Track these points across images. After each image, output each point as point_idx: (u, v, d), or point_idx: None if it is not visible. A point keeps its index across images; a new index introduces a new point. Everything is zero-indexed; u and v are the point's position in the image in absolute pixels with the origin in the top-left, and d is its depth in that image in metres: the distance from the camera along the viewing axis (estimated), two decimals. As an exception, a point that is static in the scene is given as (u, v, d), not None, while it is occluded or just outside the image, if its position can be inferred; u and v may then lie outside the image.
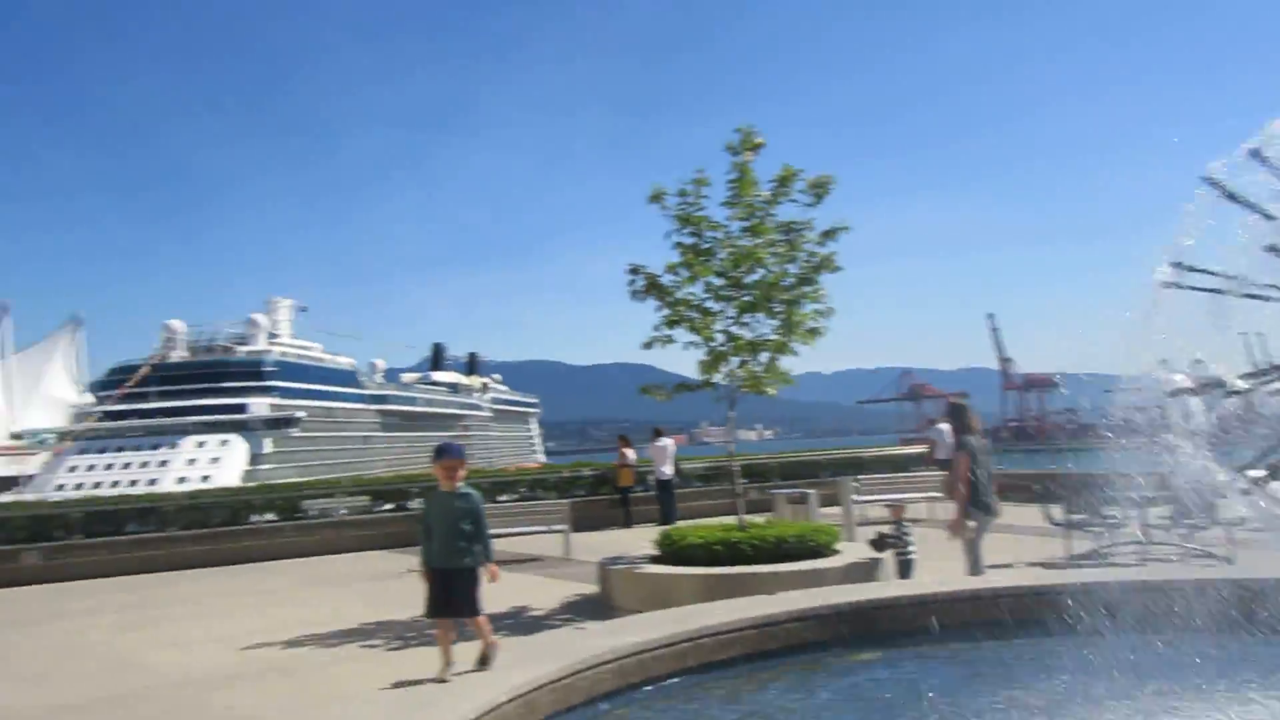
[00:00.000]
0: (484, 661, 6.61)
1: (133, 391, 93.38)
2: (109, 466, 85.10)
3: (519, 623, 10.70)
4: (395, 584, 14.44)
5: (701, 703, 6.26)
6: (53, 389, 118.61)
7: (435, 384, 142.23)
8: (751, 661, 6.81)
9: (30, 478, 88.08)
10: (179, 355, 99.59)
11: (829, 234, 11.80)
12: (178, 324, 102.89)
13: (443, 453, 7.24)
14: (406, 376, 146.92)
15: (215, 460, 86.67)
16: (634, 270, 11.94)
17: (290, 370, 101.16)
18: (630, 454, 21.48)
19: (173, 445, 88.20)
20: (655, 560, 11.57)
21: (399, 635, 10.39)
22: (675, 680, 6.43)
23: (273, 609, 12.79)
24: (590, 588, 12.68)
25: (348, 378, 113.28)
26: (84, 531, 16.89)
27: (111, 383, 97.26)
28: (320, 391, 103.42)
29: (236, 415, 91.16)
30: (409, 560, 16.75)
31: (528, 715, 5.41)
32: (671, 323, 11.85)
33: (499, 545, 16.39)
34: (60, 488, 74.44)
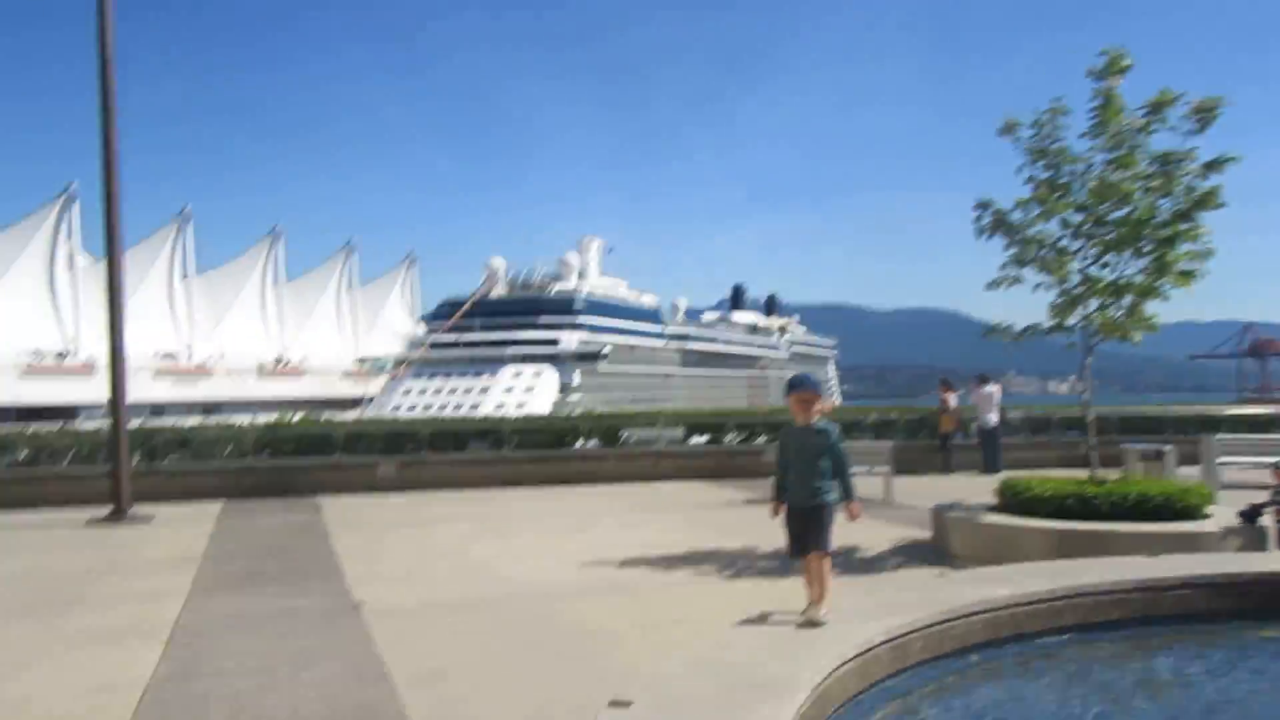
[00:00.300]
0: (815, 605, 6.08)
1: (459, 324, 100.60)
2: (437, 391, 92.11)
3: (850, 562, 10.44)
4: (719, 513, 14.62)
5: (1082, 665, 5.76)
6: (391, 319, 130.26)
7: (734, 324, 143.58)
8: (1135, 626, 6.20)
9: (371, 399, 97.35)
10: (499, 291, 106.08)
11: (1213, 165, 10.51)
12: (498, 261, 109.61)
13: (797, 385, 6.68)
14: (706, 316, 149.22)
15: (529, 389, 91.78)
16: (981, 205, 11.19)
17: (598, 307, 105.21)
18: (952, 399, 20.60)
19: (492, 374, 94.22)
20: (995, 510, 10.94)
21: (731, 564, 10.43)
22: (1050, 639, 5.95)
23: (605, 530, 13.28)
24: (919, 533, 12.21)
25: (651, 316, 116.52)
26: (431, 447, 18.31)
27: (441, 314, 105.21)
28: (624, 329, 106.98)
29: (549, 349, 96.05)
30: (727, 493, 16.97)
31: (899, 659, 5.16)
32: (1021, 262, 11.04)
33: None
34: (396, 409, 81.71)
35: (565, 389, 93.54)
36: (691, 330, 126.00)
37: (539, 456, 18.75)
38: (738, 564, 10.46)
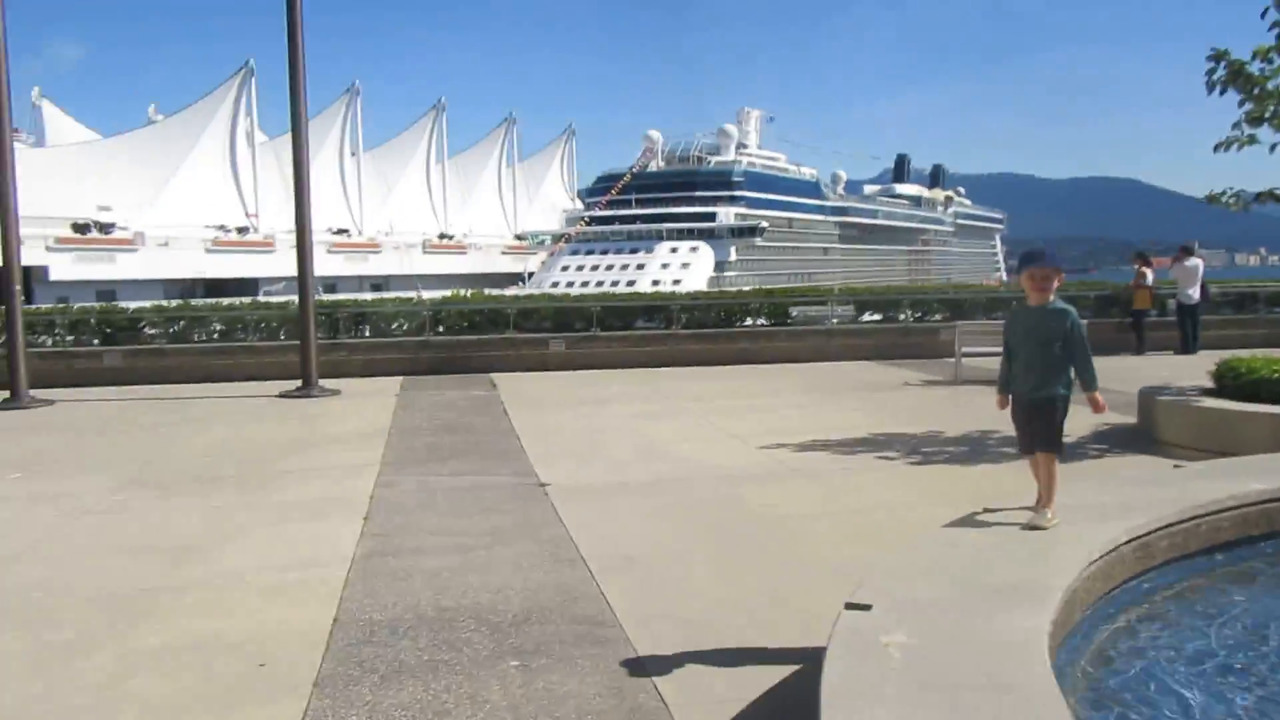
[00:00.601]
0: (1042, 509, 5.28)
1: (616, 199, 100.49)
2: (594, 268, 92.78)
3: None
4: (897, 395, 14.15)
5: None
6: (549, 194, 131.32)
7: (897, 197, 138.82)
8: None
9: (530, 274, 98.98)
10: (657, 164, 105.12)
11: None
12: (656, 134, 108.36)
13: (1032, 259, 5.64)
14: (869, 189, 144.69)
15: (685, 265, 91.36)
16: (1215, 57, 10.00)
17: (756, 180, 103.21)
18: (1149, 274, 19.21)
19: (648, 250, 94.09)
20: (1212, 394, 10.13)
21: (915, 449, 10.02)
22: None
23: (778, 411, 13.01)
24: (1120, 418, 11.47)
25: (810, 189, 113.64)
26: (600, 324, 18.30)
27: (598, 190, 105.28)
28: (783, 202, 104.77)
29: (706, 224, 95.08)
30: (904, 374, 16.42)
31: (1144, 559, 4.73)
32: (1257, 119, 9.89)
33: (986, 364, 15.59)
34: (554, 285, 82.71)
35: (721, 265, 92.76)
36: (852, 203, 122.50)
37: (708, 334, 18.52)
38: (923, 449, 10.05)
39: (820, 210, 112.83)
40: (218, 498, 8.66)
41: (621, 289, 72.19)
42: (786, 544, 6.84)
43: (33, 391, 14.99)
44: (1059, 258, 5.75)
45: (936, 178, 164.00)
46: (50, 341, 17.59)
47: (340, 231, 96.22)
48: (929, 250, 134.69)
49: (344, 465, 9.96)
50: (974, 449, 10.02)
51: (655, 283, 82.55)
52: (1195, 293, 18.66)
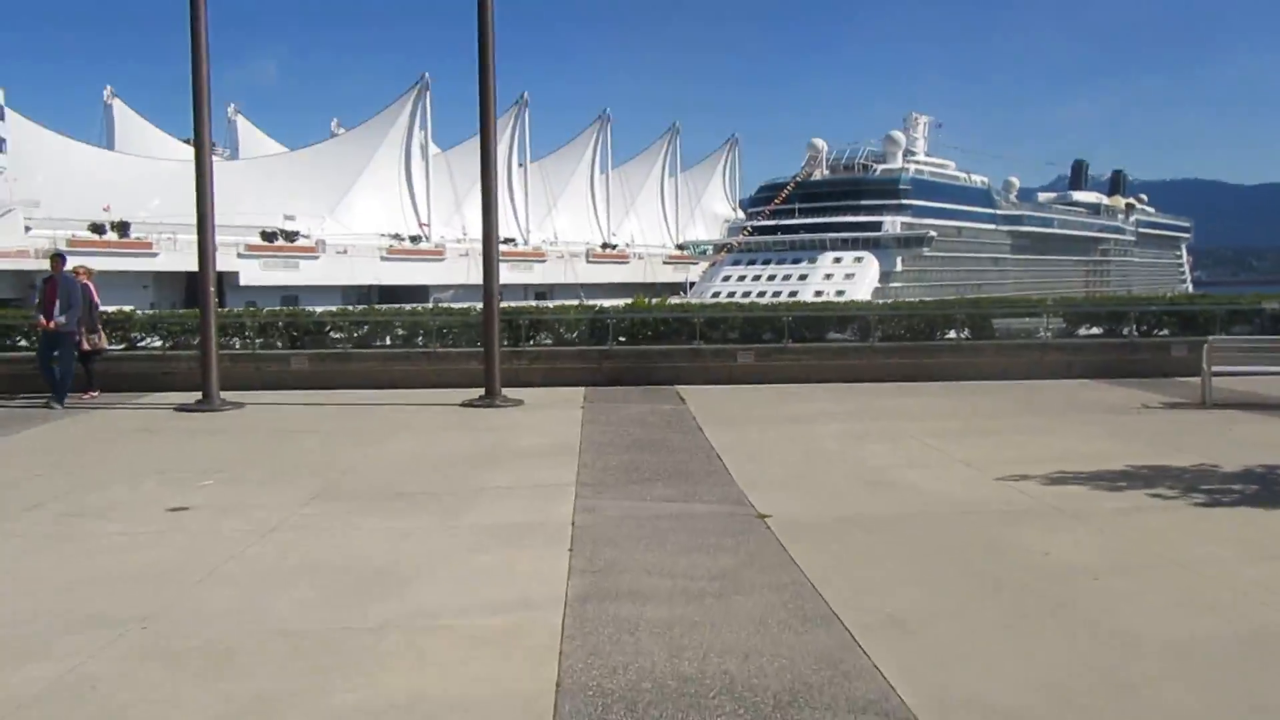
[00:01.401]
0: None
1: (778, 208, 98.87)
2: (756, 278, 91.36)
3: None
4: (1140, 420, 12.53)
5: None
6: (711, 204, 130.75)
7: (1074, 204, 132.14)
8: None
9: (692, 284, 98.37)
10: (820, 173, 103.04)
11: None
12: (820, 142, 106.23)
13: None
14: (1043, 196, 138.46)
15: (849, 276, 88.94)
16: None
17: (924, 188, 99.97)
18: None
19: (812, 260, 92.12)
20: None
21: (1192, 486, 8.54)
22: None
23: (1004, 435, 11.62)
24: None
25: (981, 196, 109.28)
26: (791, 335, 17.18)
27: (760, 199, 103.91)
28: (952, 210, 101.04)
29: (871, 233, 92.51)
30: (1138, 394, 14.72)
31: None
32: None
33: (1238, 385, 13.76)
34: (716, 295, 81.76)
35: (886, 276, 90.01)
36: (1025, 211, 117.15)
37: (907, 348, 17.14)
38: (1202, 487, 8.56)
39: (991, 219, 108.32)
40: (409, 517, 8.00)
41: (794, 298, 70.65)
42: (1085, 605, 5.63)
43: (223, 394, 14.95)
44: None
45: (1116, 184, 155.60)
46: (239, 344, 17.68)
47: (506, 240, 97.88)
48: (1108, 260, 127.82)
49: (538, 484, 9.20)
50: (1266, 488, 8.49)
51: (818, 293, 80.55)
52: None
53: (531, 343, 17.79)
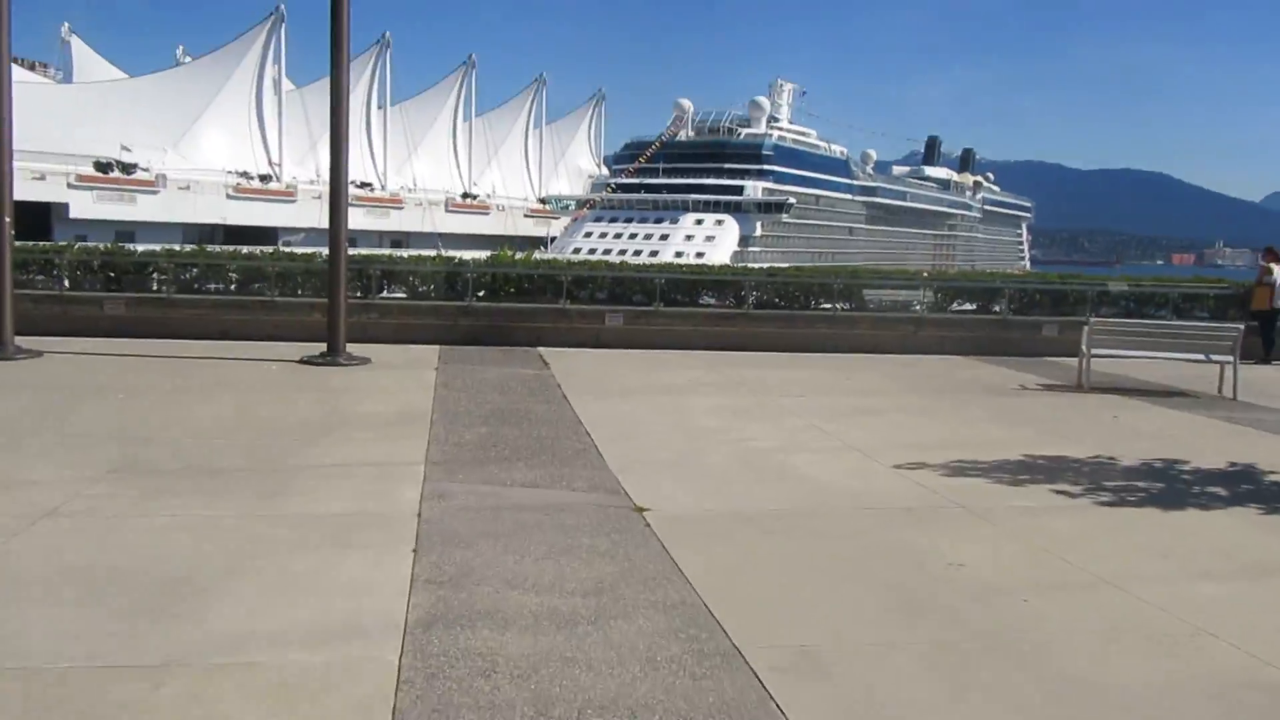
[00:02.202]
0: None
1: (643, 167, 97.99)
2: (618, 236, 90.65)
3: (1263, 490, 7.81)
4: (1023, 403, 12.06)
5: None
6: (576, 159, 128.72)
7: (926, 179, 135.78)
8: None
9: (553, 239, 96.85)
10: (686, 134, 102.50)
11: None
12: (686, 103, 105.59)
13: None
14: (897, 170, 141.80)
15: (710, 239, 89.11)
16: None
17: (786, 155, 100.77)
18: (1278, 272, 16.93)
19: (674, 221, 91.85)
20: None
21: (1096, 484, 7.91)
22: None
23: (890, 415, 10.96)
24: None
25: (839, 167, 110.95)
26: (663, 299, 16.20)
27: (625, 157, 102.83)
28: (812, 179, 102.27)
29: (733, 196, 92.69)
30: (1014, 374, 14.35)
31: None
32: None
33: (1121, 369, 13.54)
34: (577, 251, 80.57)
35: (746, 240, 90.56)
36: (881, 184, 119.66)
37: (783, 316, 16.39)
38: (1105, 484, 7.96)
39: (849, 189, 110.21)
40: (220, 502, 6.68)
41: (645, 259, 70.07)
42: (1018, 638, 4.83)
43: (19, 339, 13.05)
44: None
45: (966, 162, 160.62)
46: (44, 283, 15.63)
47: (364, 185, 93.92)
48: (955, 235, 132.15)
49: (380, 462, 7.97)
50: (1170, 486, 7.96)
51: (679, 254, 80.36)
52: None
53: (383, 295, 16.33)
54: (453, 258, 17.90)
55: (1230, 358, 12.58)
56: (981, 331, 16.64)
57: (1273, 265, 16.96)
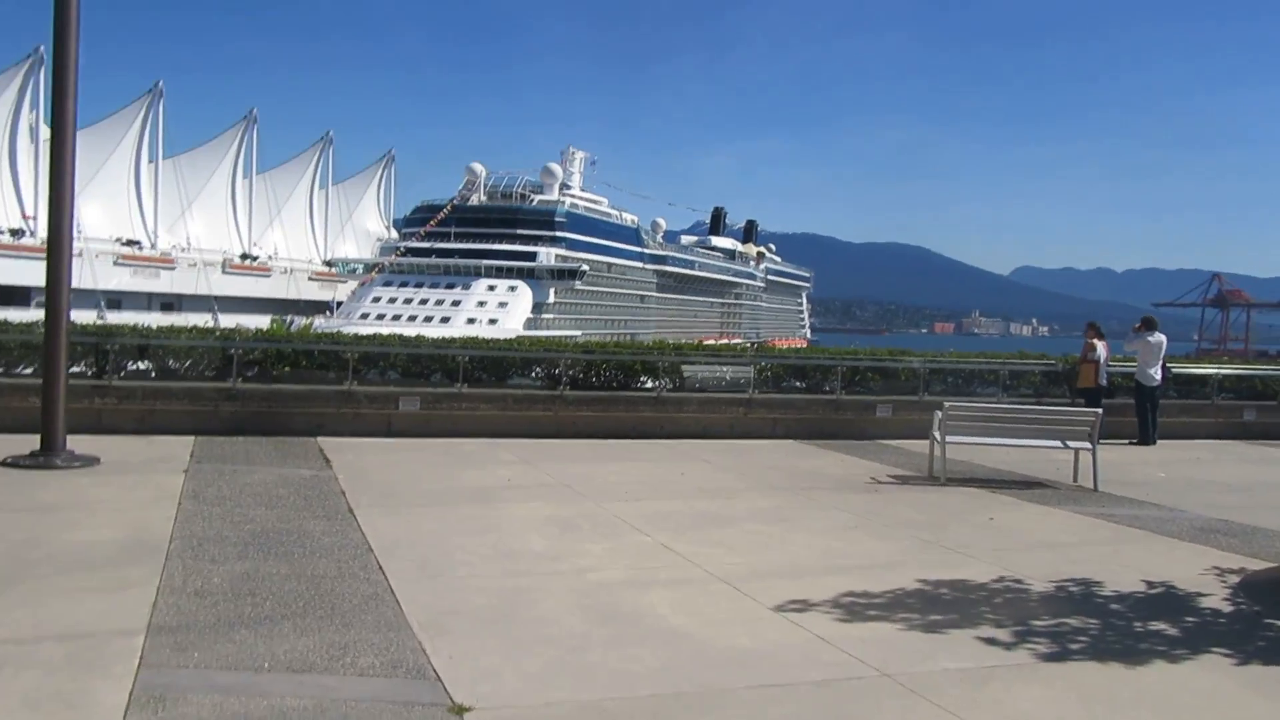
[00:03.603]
0: None
1: (434, 230, 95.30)
2: (408, 300, 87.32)
3: (1209, 626, 6.54)
4: (880, 502, 10.61)
5: None
6: (364, 221, 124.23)
7: (713, 249, 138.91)
8: None
9: (339, 304, 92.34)
10: (479, 198, 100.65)
11: None
12: (479, 167, 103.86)
13: None
14: (685, 239, 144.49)
15: (503, 305, 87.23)
16: None
17: (579, 223, 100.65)
18: (1101, 348, 16.55)
19: (466, 287, 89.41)
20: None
21: (1025, 627, 6.41)
22: None
23: (746, 526, 9.22)
24: (1209, 549, 8.53)
25: (631, 235, 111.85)
26: (467, 379, 14.10)
27: (416, 220, 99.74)
28: (604, 246, 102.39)
29: (526, 263, 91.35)
30: (858, 462, 13.04)
31: None
32: None
33: (967, 453, 12.47)
34: (364, 317, 76.89)
35: (539, 307, 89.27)
36: (670, 252, 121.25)
37: (603, 399, 14.55)
38: (1035, 625, 6.49)
39: (640, 257, 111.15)
40: None
41: (436, 327, 67.49)
42: None
43: None
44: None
45: (750, 233, 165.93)
46: None
47: (131, 243, 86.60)
48: (741, 304, 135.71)
49: (78, 632, 5.59)
50: (1106, 624, 6.57)
51: (471, 320, 78.14)
52: (1157, 372, 16.29)
53: (124, 374, 13.50)
54: (214, 330, 15.15)
55: (1088, 444, 11.69)
56: (813, 413, 15.41)
57: (1095, 341, 16.61)
